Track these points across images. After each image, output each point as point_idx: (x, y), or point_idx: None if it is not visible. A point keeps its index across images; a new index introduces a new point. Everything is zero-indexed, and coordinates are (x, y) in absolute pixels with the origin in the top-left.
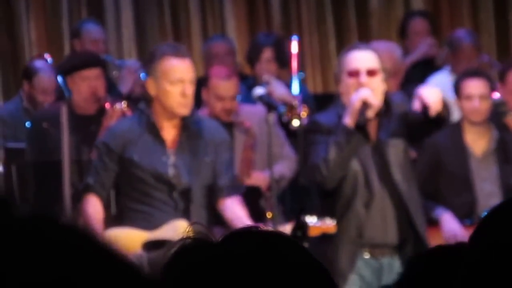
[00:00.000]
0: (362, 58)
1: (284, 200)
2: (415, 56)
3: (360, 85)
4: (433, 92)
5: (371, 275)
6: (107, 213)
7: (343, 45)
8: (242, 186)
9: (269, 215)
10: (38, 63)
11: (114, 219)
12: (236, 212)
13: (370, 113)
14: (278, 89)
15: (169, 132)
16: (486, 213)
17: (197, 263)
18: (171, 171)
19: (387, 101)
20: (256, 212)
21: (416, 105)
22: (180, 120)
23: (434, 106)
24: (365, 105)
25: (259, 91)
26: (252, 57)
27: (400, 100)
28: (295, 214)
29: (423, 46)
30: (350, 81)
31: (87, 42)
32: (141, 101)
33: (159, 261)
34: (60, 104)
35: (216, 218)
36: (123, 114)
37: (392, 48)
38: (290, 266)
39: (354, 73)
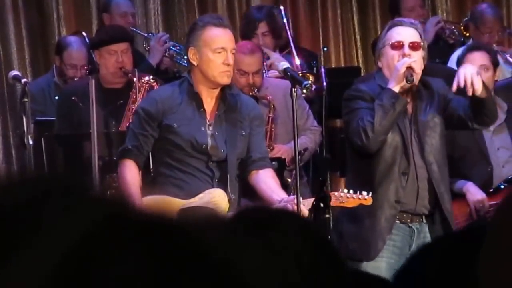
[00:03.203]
0: (405, 32)
1: (307, 172)
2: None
3: (403, 56)
4: (468, 70)
5: (401, 240)
6: (144, 179)
7: (366, 20)
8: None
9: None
10: (69, 39)
11: (147, 184)
12: (269, 184)
13: (414, 79)
14: (278, 61)
15: (208, 103)
16: (503, 185)
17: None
18: (209, 142)
19: (424, 81)
20: (280, 184)
21: (454, 87)
22: (219, 91)
23: (468, 85)
24: (409, 70)
25: (283, 64)
26: (248, 33)
27: (441, 85)
28: (318, 185)
29: (430, 27)
30: (393, 52)
31: (117, 15)
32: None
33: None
34: (89, 78)
35: (244, 190)
36: (150, 87)
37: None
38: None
39: (398, 46)
